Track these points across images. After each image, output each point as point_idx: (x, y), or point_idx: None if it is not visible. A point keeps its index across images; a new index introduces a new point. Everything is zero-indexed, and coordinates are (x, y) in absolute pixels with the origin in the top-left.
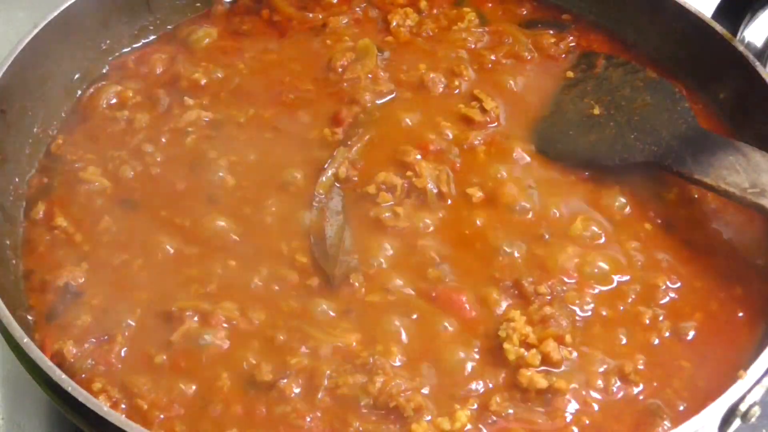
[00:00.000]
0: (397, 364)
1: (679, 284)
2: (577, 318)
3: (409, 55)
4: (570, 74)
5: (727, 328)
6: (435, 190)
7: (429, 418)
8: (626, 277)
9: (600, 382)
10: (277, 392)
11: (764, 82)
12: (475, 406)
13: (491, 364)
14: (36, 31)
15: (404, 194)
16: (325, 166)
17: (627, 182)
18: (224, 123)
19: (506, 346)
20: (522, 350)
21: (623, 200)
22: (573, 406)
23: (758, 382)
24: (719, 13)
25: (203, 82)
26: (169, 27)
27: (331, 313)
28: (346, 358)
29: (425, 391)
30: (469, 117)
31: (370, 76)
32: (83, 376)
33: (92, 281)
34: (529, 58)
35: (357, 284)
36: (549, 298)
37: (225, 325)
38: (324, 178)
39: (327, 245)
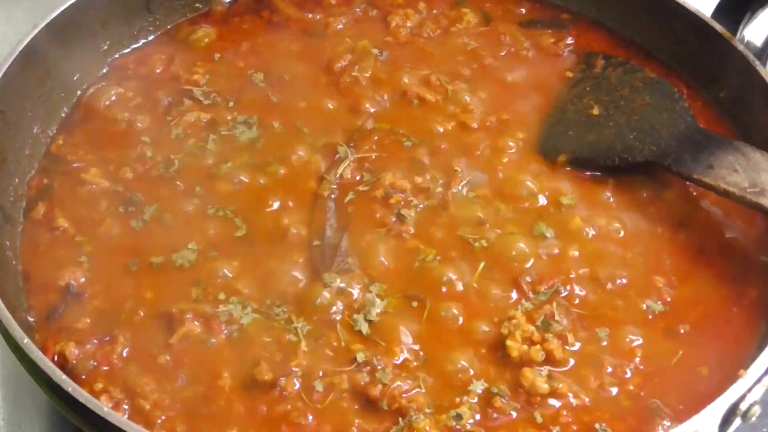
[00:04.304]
0: (399, 362)
1: (679, 283)
2: (578, 317)
3: (409, 56)
4: (569, 74)
5: (727, 327)
6: (440, 192)
7: (431, 412)
8: (626, 277)
9: (600, 382)
10: (278, 391)
11: (764, 82)
12: (476, 400)
13: (494, 362)
14: (36, 31)
15: (410, 196)
16: (328, 167)
17: (626, 182)
18: (224, 123)
19: (509, 342)
20: (525, 347)
21: (622, 200)
22: (573, 406)
23: (759, 381)
24: (719, 13)
25: (203, 82)
26: (168, 27)
27: (330, 314)
28: (347, 358)
29: (428, 387)
30: (465, 123)
31: (367, 74)
32: (85, 377)
33: (93, 282)
34: (528, 57)
35: (354, 285)
36: (549, 297)
37: (225, 325)
38: (326, 179)
39: (324, 246)
